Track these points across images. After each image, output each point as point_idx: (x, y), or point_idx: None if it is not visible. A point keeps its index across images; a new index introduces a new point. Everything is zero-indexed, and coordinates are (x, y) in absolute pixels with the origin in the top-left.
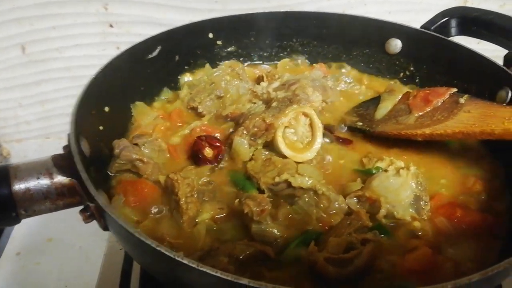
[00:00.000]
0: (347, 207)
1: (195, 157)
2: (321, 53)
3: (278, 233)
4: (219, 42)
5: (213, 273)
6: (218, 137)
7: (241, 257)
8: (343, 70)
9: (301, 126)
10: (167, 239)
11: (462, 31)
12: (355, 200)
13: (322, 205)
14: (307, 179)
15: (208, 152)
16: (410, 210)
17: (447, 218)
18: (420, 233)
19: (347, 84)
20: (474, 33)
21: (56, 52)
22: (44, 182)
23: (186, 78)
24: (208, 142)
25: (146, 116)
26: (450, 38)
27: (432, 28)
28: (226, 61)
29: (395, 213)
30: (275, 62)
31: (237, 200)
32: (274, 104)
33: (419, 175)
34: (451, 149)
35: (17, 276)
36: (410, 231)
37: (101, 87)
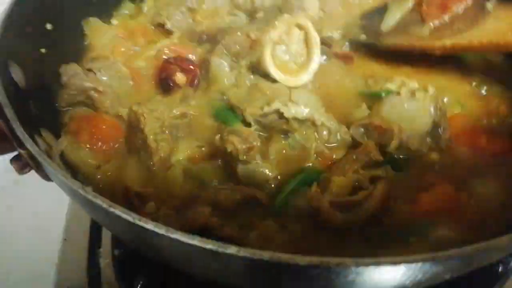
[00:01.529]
0: (351, 138)
1: (165, 84)
2: None
3: (270, 174)
4: None
5: (189, 241)
6: (192, 59)
7: (228, 205)
8: None
9: (294, 42)
10: (133, 188)
11: None
12: (361, 130)
13: (321, 138)
14: (302, 107)
15: (179, 77)
16: (427, 139)
17: (470, 147)
18: (437, 167)
19: None
20: None
21: None
22: None
23: None
24: (179, 65)
25: (102, 35)
26: None
27: None
28: None
29: (410, 144)
30: None
31: (218, 136)
32: (259, 14)
33: (439, 98)
34: (469, 67)
35: None
36: (426, 165)
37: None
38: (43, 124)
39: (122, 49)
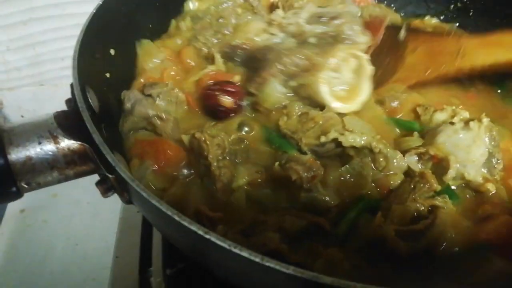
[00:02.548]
0: (406, 165)
1: (213, 112)
2: None
3: (331, 202)
4: None
5: (285, 270)
6: (233, 81)
7: (292, 231)
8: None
9: (349, 71)
10: (205, 211)
11: None
12: (415, 158)
13: (378, 165)
14: (359, 136)
15: (225, 101)
16: (482, 170)
17: None
18: (494, 198)
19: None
20: None
21: None
22: (48, 148)
23: (191, 4)
24: (222, 89)
25: (153, 58)
26: None
27: None
28: None
29: (465, 174)
30: None
31: (277, 164)
32: (311, 40)
33: (493, 128)
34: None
35: (23, 235)
36: (481, 195)
37: (104, 24)
38: (115, 148)
39: (172, 73)
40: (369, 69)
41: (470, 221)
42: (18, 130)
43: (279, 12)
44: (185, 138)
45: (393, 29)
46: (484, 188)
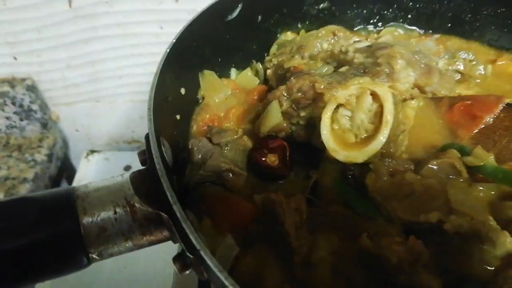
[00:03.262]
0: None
1: (261, 175)
2: (439, 12)
3: (434, 286)
4: None
5: None
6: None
7: None
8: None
9: (362, 111)
10: None
11: None
12: None
13: (484, 251)
14: (468, 221)
15: (270, 159)
16: None
17: None
18: None
19: (466, 64)
20: None
21: (106, 6)
22: (124, 218)
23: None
24: (265, 147)
25: (217, 92)
26: None
27: None
28: (330, 26)
29: None
30: (377, 25)
31: (365, 235)
32: (343, 68)
33: None
34: None
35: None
36: None
37: (176, 64)
38: (186, 205)
39: (237, 113)
40: (390, 115)
41: None
42: (93, 197)
43: (346, 41)
44: (258, 198)
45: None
46: None
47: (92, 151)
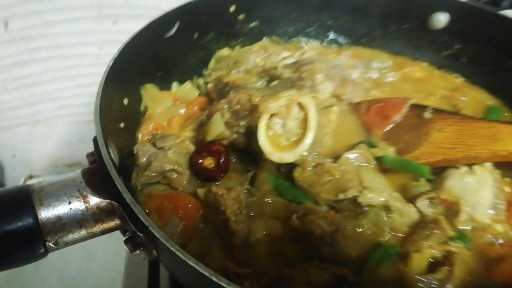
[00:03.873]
0: (419, 215)
1: (198, 175)
2: (354, 28)
3: (352, 253)
4: (240, 17)
5: None
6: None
7: (319, 284)
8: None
9: (291, 119)
10: (233, 269)
11: None
12: (427, 202)
13: (393, 221)
14: (378, 194)
15: (207, 162)
16: (489, 211)
17: None
18: (502, 238)
19: (379, 72)
20: None
21: (43, 28)
22: (78, 207)
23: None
24: (206, 150)
25: (160, 104)
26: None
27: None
28: (262, 41)
29: (475, 217)
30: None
31: (295, 216)
32: (274, 83)
33: (494, 171)
34: None
35: (14, 282)
36: (489, 237)
37: (120, 75)
38: None
39: (179, 121)
40: (313, 122)
41: (482, 264)
42: (47, 190)
43: (277, 57)
44: (201, 192)
45: (418, 108)
46: (491, 230)
47: (31, 176)
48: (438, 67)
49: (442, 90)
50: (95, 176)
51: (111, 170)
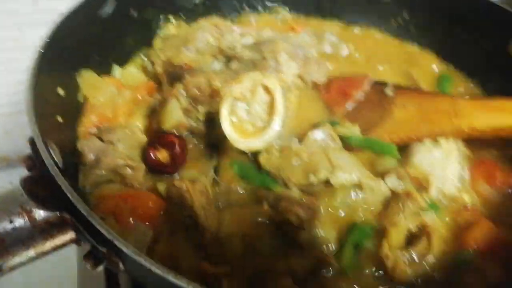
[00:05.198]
0: (389, 192)
1: (153, 171)
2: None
3: (329, 237)
4: None
5: None
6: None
7: (302, 273)
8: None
9: (257, 104)
10: (210, 269)
11: None
12: (395, 179)
13: (366, 200)
14: (349, 174)
15: (160, 155)
16: (457, 182)
17: (489, 184)
18: (469, 207)
19: (332, 45)
20: None
21: None
22: (22, 224)
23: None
24: (159, 142)
25: (101, 92)
26: None
27: None
28: (210, 17)
29: (444, 190)
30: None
31: (265, 204)
32: (234, 65)
33: (458, 142)
34: None
35: None
36: (458, 206)
37: (50, 63)
38: None
39: (125, 109)
40: (280, 105)
41: (455, 233)
42: None
43: (233, 36)
44: (162, 187)
45: (378, 85)
46: (460, 199)
47: None
48: (391, 36)
49: (396, 59)
50: (38, 185)
51: (57, 176)
